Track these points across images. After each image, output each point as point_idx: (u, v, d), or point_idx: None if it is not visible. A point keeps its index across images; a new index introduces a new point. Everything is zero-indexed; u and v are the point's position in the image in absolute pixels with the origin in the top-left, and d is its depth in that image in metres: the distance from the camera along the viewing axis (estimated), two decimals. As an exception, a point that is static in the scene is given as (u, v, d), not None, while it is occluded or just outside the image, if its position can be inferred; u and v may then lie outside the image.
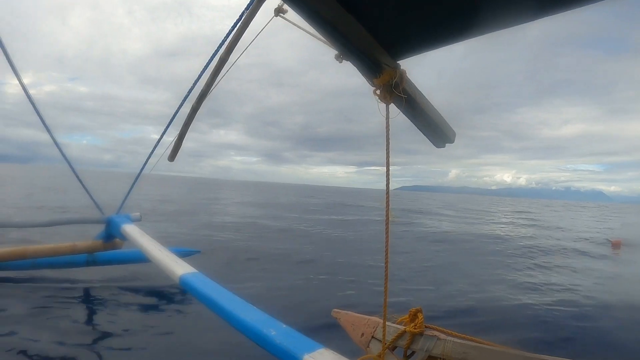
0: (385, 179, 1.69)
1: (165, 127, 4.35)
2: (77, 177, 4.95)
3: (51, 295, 4.28)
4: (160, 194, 22.47)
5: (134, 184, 5.05)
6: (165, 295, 4.66)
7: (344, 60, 1.78)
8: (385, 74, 1.56)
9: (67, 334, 3.30)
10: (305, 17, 1.48)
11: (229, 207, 19.93)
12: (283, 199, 32.98)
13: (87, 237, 5.16)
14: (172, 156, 3.80)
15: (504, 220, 25.14)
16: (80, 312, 3.95)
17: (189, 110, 3.70)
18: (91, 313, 3.97)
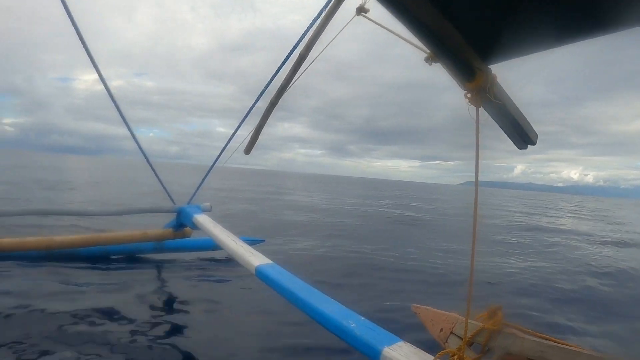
0: (475, 179, 1.74)
1: (240, 121, 4.54)
2: (152, 168, 5.22)
3: (123, 280, 4.55)
4: (228, 185, 23.04)
5: (206, 175, 5.28)
6: (232, 281, 4.87)
7: (433, 63, 1.83)
8: (477, 78, 1.60)
9: (140, 317, 3.49)
10: (400, 18, 1.50)
11: (298, 200, 20.20)
12: (357, 193, 32.85)
13: (146, 225, 5.48)
14: (248, 149, 3.95)
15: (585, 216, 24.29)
16: (151, 293, 4.22)
17: (266, 104, 3.82)
18: (162, 295, 4.23)
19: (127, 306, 3.61)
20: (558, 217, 22.44)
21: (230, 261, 5.25)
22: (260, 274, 2.98)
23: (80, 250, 4.84)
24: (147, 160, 5.18)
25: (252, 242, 5.53)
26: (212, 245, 5.02)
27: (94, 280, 4.27)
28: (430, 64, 1.84)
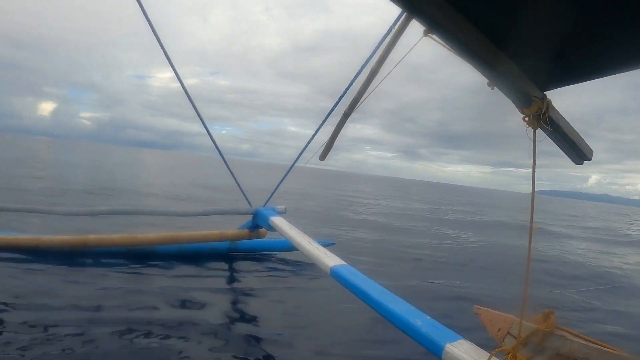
0: (531, 198, 1.92)
1: (318, 126, 4.78)
2: (230, 171, 5.40)
3: (196, 275, 4.90)
4: (298, 186, 23.36)
5: (283, 178, 5.48)
6: (306, 281, 5.14)
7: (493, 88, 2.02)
8: (534, 105, 1.78)
9: (212, 312, 3.76)
10: (455, 49, 1.67)
11: (371, 203, 20.27)
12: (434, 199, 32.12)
13: (215, 225, 5.77)
14: (323, 156, 4.18)
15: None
16: (228, 291, 4.52)
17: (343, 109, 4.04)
18: (239, 294, 4.50)
19: (207, 303, 3.89)
20: None
21: (302, 262, 5.59)
22: (335, 275, 3.19)
23: (159, 248, 5.11)
24: (226, 163, 5.39)
25: (324, 245, 5.79)
26: (287, 246, 5.28)
27: (172, 277, 4.61)
28: (492, 89, 2.04)
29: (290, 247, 5.18)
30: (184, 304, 3.85)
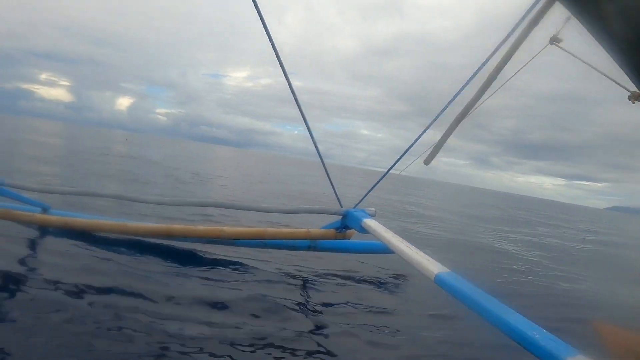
0: None
1: (423, 130, 4.60)
2: (325, 169, 5.36)
3: (277, 271, 4.92)
4: (361, 190, 22.92)
5: (379, 181, 5.37)
6: (403, 286, 5.05)
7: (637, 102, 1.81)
8: None
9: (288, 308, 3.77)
10: (615, 57, 1.45)
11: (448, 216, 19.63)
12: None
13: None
14: (429, 160, 4.09)
15: None
16: (301, 290, 4.51)
17: (451, 120, 3.93)
18: (313, 292, 4.48)
19: (293, 301, 3.93)
20: None
21: (392, 266, 5.52)
22: (440, 281, 3.04)
23: (239, 241, 5.22)
24: (323, 164, 5.37)
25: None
26: (380, 249, 5.22)
27: (250, 270, 4.75)
28: (633, 102, 1.82)
29: (383, 250, 5.12)
30: (264, 298, 3.88)
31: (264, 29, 4.45)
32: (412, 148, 4.71)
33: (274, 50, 4.51)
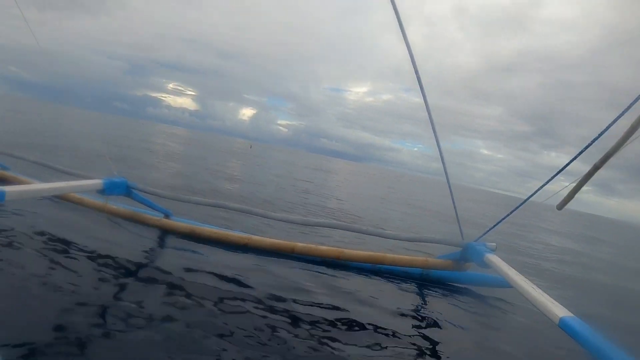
0: None
1: (564, 165, 4.37)
2: (452, 199, 5.31)
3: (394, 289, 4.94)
4: (473, 212, 20.73)
5: (506, 216, 5.17)
6: (521, 327, 4.84)
7: None
8: None
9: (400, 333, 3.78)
10: None
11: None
12: None
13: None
14: (562, 205, 3.81)
15: None
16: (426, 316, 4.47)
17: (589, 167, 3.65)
18: (431, 327, 4.33)
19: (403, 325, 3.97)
20: None
21: (509, 303, 5.32)
22: (565, 325, 2.96)
23: (353, 263, 5.33)
24: (450, 190, 5.29)
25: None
26: (497, 283, 5.15)
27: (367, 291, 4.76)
28: None
29: (500, 284, 5.08)
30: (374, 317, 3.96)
31: (406, 47, 4.58)
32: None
33: (414, 68, 4.60)
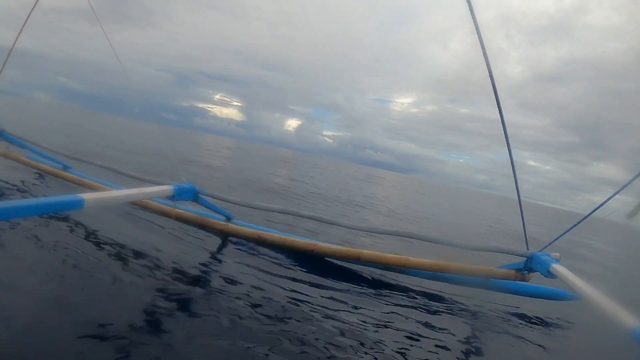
0: None
1: (631, 179, 4.09)
2: (520, 208, 5.27)
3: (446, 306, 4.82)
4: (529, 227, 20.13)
5: (572, 227, 5.06)
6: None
7: None
8: None
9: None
10: None
11: None
12: None
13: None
14: (631, 215, 3.65)
15: None
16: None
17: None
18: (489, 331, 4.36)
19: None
20: None
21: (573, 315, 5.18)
22: (638, 335, 2.93)
23: (414, 271, 5.31)
24: (520, 203, 5.26)
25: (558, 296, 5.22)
26: (562, 295, 5.08)
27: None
28: None
29: (565, 296, 4.98)
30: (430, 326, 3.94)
31: (483, 56, 4.50)
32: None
33: (490, 75, 4.57)
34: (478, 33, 4.39)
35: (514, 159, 4.94)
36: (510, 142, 4.69)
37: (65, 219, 4.77)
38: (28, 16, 5.99)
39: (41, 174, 6.97)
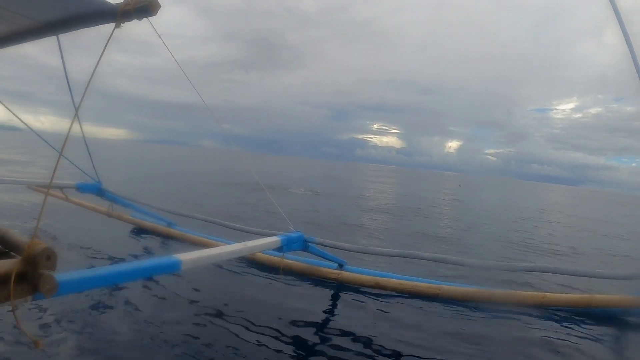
0: None
1: None
2: None
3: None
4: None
5: None
6: None
7: None
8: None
9: None
10: None
11: None
12: None
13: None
14: None
15: None
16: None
17: None
18: None
19: None
20: None
21: None
22: None
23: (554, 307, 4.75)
24: None
25: None
26: None
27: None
28: None
29: None
30: None
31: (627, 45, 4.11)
32: None
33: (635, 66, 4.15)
34: (619, 20, 3.85)
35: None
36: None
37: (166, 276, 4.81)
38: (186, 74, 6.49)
39: (144, 231, 7.21)
